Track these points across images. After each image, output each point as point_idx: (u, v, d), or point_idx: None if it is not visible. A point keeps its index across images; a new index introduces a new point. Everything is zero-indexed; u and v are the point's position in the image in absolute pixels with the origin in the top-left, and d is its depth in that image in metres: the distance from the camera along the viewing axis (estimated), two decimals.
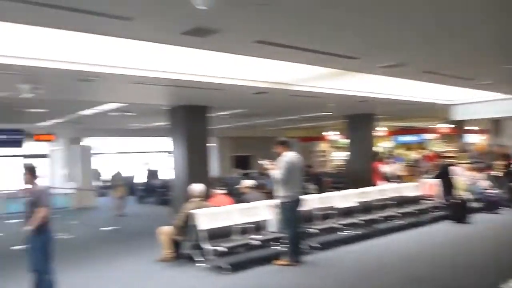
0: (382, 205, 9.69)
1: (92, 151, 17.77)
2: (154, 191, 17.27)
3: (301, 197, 7.14)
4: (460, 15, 4.86)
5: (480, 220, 10.30)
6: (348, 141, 15.89)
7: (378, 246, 8.14)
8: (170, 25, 4.90)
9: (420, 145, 23.12)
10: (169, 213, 10.31)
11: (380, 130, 20.73)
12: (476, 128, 20.88)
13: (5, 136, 16.47)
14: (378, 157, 14.43)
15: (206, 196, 8.01)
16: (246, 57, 6.52)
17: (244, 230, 7.23)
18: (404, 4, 4.43)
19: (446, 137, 21.52)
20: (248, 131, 21.40)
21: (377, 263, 7.03)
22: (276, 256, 7.04)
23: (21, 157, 16.95)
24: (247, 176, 14.68)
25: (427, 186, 11.35)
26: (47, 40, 5.55)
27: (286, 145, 7.24)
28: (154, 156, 21.90)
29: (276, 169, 7.00)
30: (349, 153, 15.72)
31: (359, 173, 14.05)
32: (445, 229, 9.63)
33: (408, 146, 23.71)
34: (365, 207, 9.34)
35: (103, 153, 20.69)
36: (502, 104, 12.25)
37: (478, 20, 5.10)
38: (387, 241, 8.56)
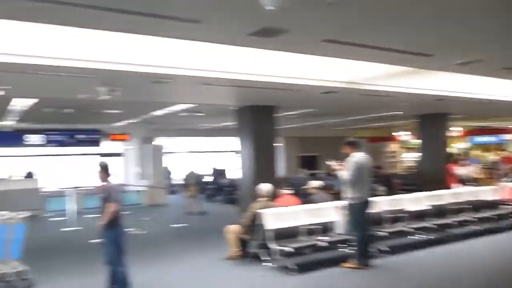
0: (456, 209, 9.21)
1: (163, 150, 18.39)
2: (222, 190, 17.61)
3: (370, 198, 6.96)
4: None
5: None
6: (419, 141, 15.36)
7: (451, 253, 7.74)
8: (238, 27, 4.96)
9: (499, 146, 21.86)
10: (237, 212, 10.45)
11: (455, 130, 19.78)
12: None
13: (84, 136, 17.55)
14: (452, 159, 13.79)
15: (273, 196, 8.03)
16: (313, 56, 6.46)
17: (311, 231, 7.17)
18: None
19: None
20: (315, 131, 21.23)
21: (450, 270, 6.70)
22: (343, 259, 6.91)
23: (98, 156, 17.92)
24: (314, 177, 14.56)
25: (507, 190, 10.66)
26: (123, 45, 5.82)
27: (355, 146, 7.10)
28: (222, 156, 22.31)
29: (344, 170, 6.88)
30: (420, 154, 15.19)
31: (431, 175, 13.55)
32: None
33: (485, 147, 22.49)
34: (438, 211, 8.92)
35: (173, 153, 21.36)
36: None
37: None
38: (461, 247, 8.12)
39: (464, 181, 12.69)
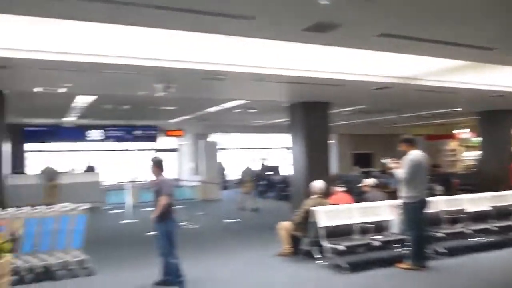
0: None
1: (217, 147, 18.69)
2: (274, 186, 17.63)
3: (427, 198, 6.74)
4: None
5: None
6: (480, 139, 14.69)
7: None
8: (291, 22, 4.94)
9: None
10: (289, 209, 10.44)
11: None
12: None
13: (141, 132, 18.16)
14: None
15: (326, 194, 7.95)
16: (367, 51, 6.33)
17: (365, 229, 7.03)
18: None
19: None
20: (369, 128, 20.83)
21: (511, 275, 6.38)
22: (398, 259, 6.72)
23: (154, 151, 18.47)
24: (368, 175, 14.28)
25: None
26: (178, 42, 5.95)
27: (412, 143, 6.89)
28: (274, 152, 22.35)
29: (400, 168, 6.70)
30: (481, 152, 14.53)
31: (492, 175, 12.92)
32: None
33: None
34: (501, 213, 8.49)
35: (227, 149, 21.63)
36: None
37: None
38: None
39: None
